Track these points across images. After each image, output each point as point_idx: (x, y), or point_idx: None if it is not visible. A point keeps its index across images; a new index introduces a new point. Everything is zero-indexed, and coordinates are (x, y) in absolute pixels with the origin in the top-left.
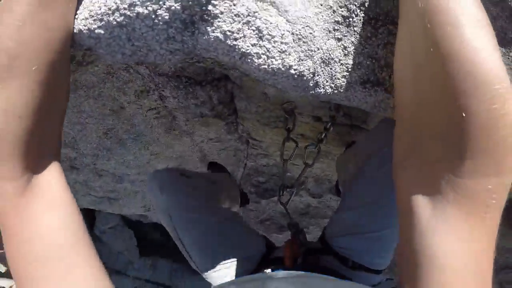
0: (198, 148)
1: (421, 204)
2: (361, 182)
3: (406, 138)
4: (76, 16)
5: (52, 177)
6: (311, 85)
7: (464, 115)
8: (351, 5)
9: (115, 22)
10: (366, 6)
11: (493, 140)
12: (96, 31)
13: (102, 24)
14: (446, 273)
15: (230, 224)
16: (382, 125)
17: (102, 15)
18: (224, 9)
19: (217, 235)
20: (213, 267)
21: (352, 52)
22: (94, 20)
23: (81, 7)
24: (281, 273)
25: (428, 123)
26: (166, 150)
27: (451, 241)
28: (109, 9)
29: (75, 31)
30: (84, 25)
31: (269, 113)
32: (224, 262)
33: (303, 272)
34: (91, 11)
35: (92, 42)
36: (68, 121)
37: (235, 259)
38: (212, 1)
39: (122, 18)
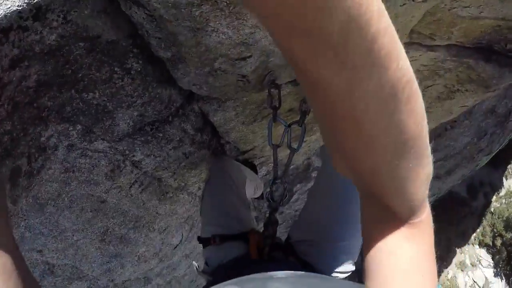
0: (199, 199)
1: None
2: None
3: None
4: None
5: None
6: None
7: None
8: None
9: None
10: None
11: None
12: None
13: None
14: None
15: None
16: None
17: None
18: None
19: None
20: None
21: None
22: None
23: None
24: (281, 273)
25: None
26: (172, 219)
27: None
28: None
29: None
30: None
31: (250, 106)
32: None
33: (302, 272)
34: None
35: None
36: (55, 251)
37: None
38: None
39: None
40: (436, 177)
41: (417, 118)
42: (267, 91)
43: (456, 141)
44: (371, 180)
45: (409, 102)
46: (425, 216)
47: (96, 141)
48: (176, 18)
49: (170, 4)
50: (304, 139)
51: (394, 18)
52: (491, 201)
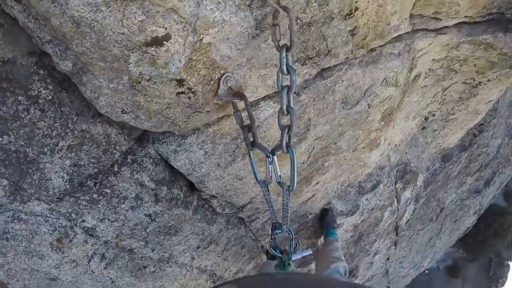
0: (197, 270)
1: None
2: None
3: None
4: None
5: None
6: None
7: None
8: None
9: None
10: None
11: None
12: None
13: None
14: None
15: None
16: None
17: None
18: None
19: None
20: None
21: None
22: None
23: None
24: (282, 274)
25: None
26: None
27: None
28: None
29: None
30: None
31: (223, 140)
32: None
33: (303, 272)
34: None
35: None
36: None
37: None
38: None
39: None
40: (476, 191)
41: None
42: (233, 109)
43: (488, 146)
44: None
45: None
46: None
47: (30, 201)
48: None
49: None
50: (295, 172)
51: None
52: None
